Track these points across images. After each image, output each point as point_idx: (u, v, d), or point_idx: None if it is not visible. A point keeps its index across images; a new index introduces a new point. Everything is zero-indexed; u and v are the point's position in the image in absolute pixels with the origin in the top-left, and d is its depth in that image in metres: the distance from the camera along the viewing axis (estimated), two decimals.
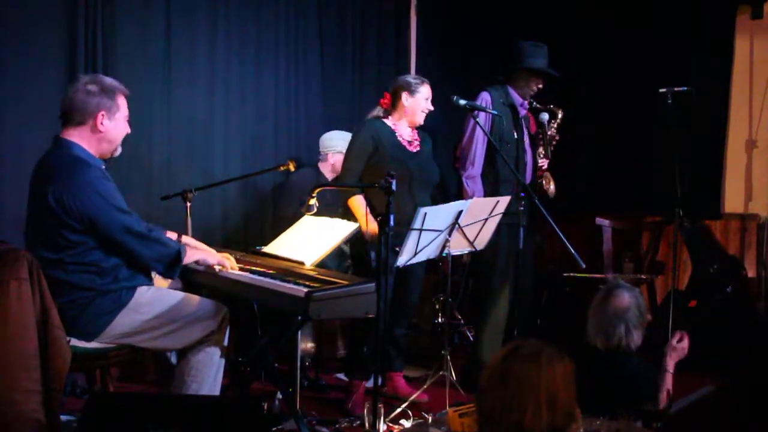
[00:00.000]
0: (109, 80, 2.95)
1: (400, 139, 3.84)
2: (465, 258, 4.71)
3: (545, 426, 1.88)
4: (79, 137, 2.89)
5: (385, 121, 3.86)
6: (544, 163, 4.36)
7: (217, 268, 3.10)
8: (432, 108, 3.92)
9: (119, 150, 3.02)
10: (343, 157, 3.87)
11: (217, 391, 3.06)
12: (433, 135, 5.79)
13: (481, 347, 4.16)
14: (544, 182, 4.34)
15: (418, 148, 3.90)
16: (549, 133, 4.29)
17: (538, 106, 4.26)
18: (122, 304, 2.88)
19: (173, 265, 2.93)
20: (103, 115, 2.88)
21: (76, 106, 2.87)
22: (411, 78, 3.90)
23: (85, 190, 2.76)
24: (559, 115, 4.27)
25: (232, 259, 3.18)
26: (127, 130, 3.01)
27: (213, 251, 3.19)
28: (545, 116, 4.24)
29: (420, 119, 3.88)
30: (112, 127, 2.92)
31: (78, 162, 2.84)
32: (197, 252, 3.11)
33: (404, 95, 3.83)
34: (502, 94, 4.12)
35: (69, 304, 2.81)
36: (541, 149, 4.31)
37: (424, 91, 3.86)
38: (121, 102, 2.96)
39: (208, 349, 3.00)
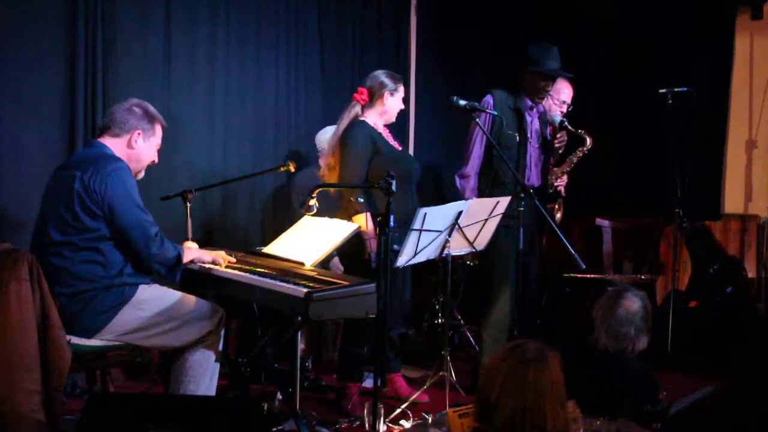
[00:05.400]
0: (153, 109, 3.12)
1: (385, 137, 3.84)
2: (470, 260, 4.71)
3: (562, 424, 1.92)
4: (111, 145, 3.01)
5: (367, 120, 3.83)
6: (561, 184, 4.38)
7: (208, 266, 3.17)
8: (403, 107, 3.96)
9: (141, 174, 3.15)
10: (342, 163, 3.74)
11: (213, 391, 3.10)
12: (433, 136, 5.85)
13: (482, 349, 4.16)
14: (556, 206, 4.41)
15: (400, 146, 3.94)
16: (574, 159, 4.36)
17: (569, 128, 4.29)
18: (124, 301, 2.92)
19: (174, 268, 3.02)
20: (139, 134, 3.03)
21: (116, 119, 3.02)
22: (389, 77, 3.86)
23: (113, 178, 2.88)
24: (588, 142, 4.33)
25: (225, 255, 3.24)
26: (155, 158, 3.15)
27: (206, 251, 3.24)
28: (557, 118, 4.24)
29: (395, 118, 3.92)
30: (144, 148, 3.06)
31: (110, 157, 2.97)
32: (192, 252, 3.18)
33: (386, 94, 3.82)
34: (509, 97, 4.09)
35: (72, 298, 2.84)
36: (557, 169, 4.36)
37: (402, 90, 3.90)
38: (158, 131, 3.11)
39: (205, 349, 3.05)
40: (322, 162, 3.93)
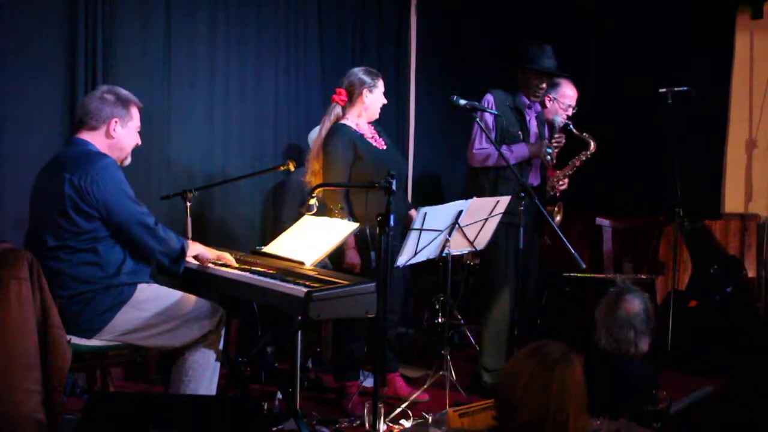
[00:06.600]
0: (124, 91, 3.08)
1: (367, 139, 3.78)
2: (470, 259, 4.71)
3: (582, 426, 1.92)
4: (92, 140, 2.99)
5: (347, 122, 3.77)
6: (561, 187, 4.36)
7: (208, 265, 3.15)
8: (386, 101, 3.89)
9: (128, 160, 3.13)
10: (325, 171, 3.71)
11: (213, 391, 3.10)
12: (433, 136, 5.84)
13: (482, 348, 4.16)
14: (555, 209, 4.39)
15: (384, 145, 3.86)
16: (576, 163, 4.34)
17: (574, 131, 4.27)
18: (123, 301, 2.92)
19: (178, 259, 3.00)
20: (116, 122, 3.00)
21: (90, 111, 2.99)
22: (367, 74, 3.79)
23: (102, 176, 2.86)
24: (592, 146, 4.30)
25: (229, 256, 3.21)
26: (137, 141, 3.12)
27: (211, 249, 3.22)
28: (558, 119, 4.24)
29: (378, 114, 3.85)
30: (124, 134, 3.03)
31: (95, 154, 2.95)
32: (197, 246, 3.16)
33: (365, 92, 3.76)
34: (508, 96, 4.09)
35: (71, 299, 2.84)
36: (558, 172, 4.35)
37: (381, 86, 3.82)
38: (134, 113, 3.08)
39: (205, 349, 3.05)
40: (306, 164, 3.85)
